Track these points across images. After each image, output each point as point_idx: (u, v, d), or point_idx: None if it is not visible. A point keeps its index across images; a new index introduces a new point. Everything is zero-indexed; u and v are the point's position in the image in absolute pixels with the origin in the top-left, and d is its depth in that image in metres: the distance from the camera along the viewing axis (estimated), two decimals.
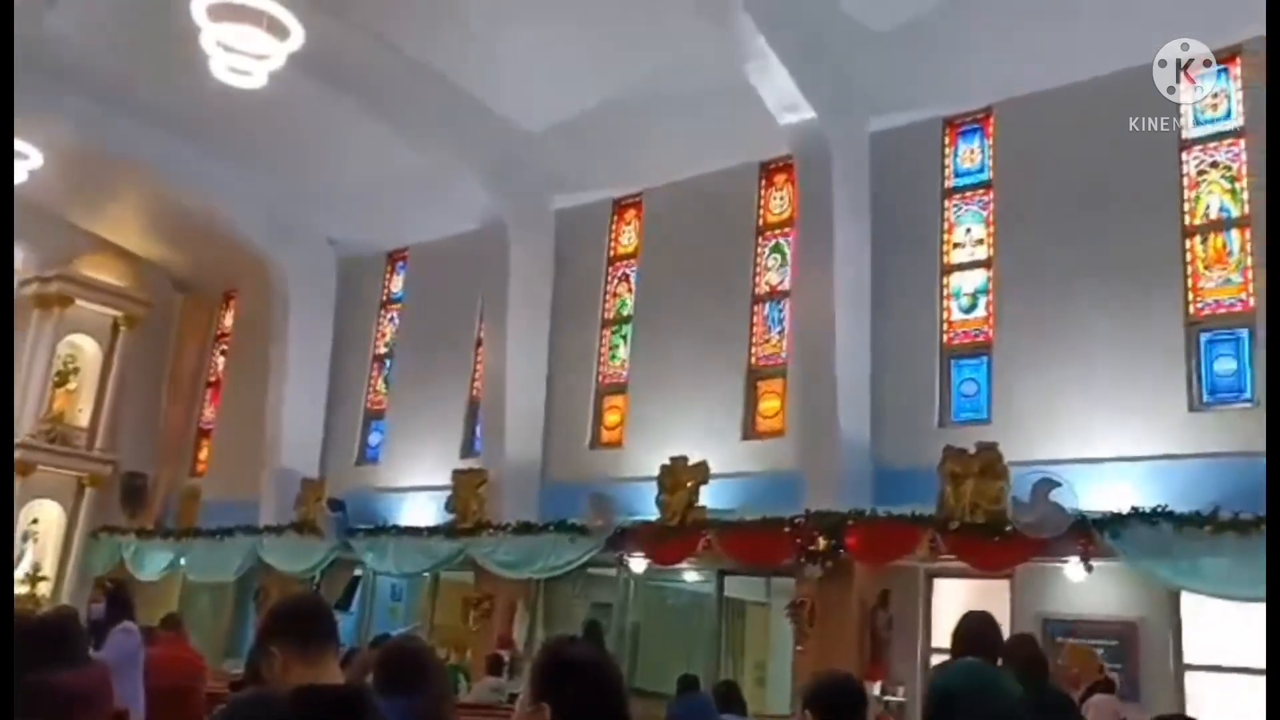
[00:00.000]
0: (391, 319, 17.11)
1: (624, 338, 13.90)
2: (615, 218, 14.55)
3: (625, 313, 14.01)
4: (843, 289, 11.04)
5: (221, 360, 19.91)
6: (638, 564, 11.50)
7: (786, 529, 10.08)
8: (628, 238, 14.39)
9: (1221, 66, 10.09)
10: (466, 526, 12.83)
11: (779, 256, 12.71)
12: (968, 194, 11.43)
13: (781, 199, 12.89)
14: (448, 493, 13.28)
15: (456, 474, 13.44)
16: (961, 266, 11.22)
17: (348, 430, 16.66)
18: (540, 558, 11.97)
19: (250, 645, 3.13)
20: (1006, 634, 9.34)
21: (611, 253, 14.44)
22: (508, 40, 12.18)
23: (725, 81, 11.19)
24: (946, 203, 11.49)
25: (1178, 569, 8.21)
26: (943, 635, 9.86)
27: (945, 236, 11.37)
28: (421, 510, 14.06)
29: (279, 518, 15.27)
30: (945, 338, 11.07)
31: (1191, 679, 8.64)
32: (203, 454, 19.41)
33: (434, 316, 15.90)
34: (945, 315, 11.13)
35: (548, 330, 14.20)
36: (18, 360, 16.87)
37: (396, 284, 17.27)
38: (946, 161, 11.62)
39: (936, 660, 9.85)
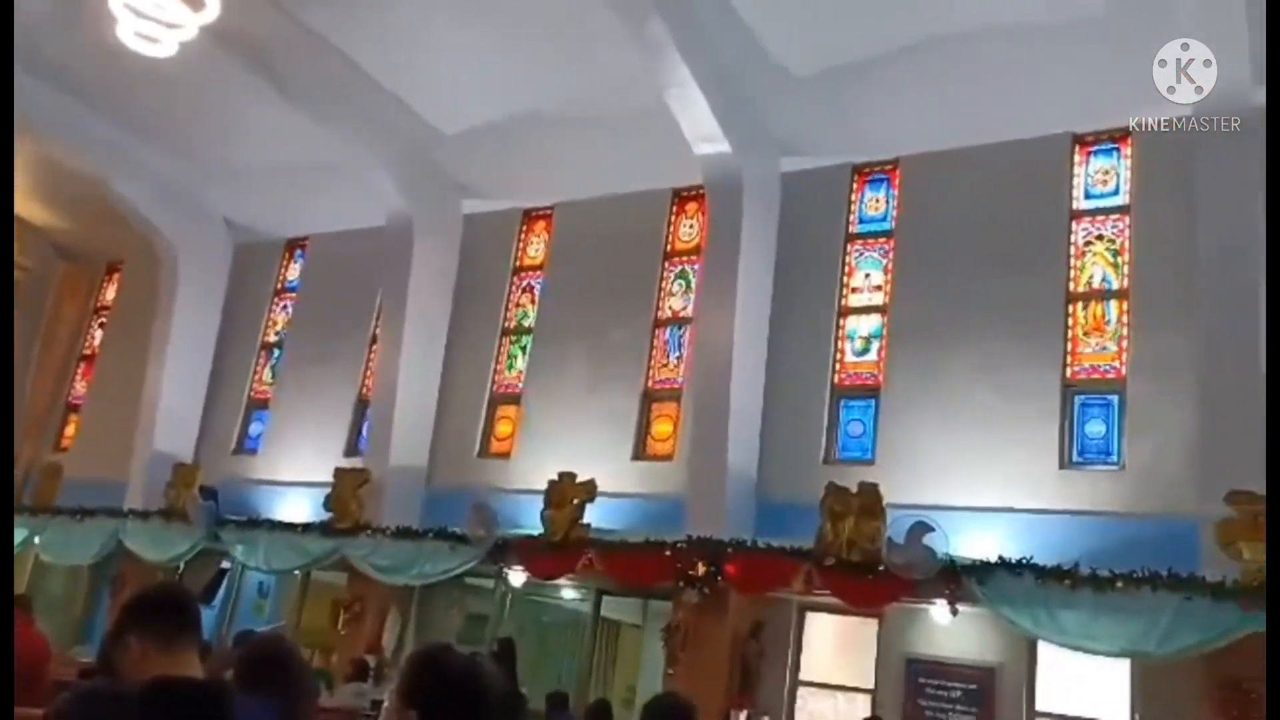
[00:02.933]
0: (285, 308, 16.66)
1: (523, 348, 13.84)
2: (524, 228, 14.51)
3: (526, 324, 13.95)
4: (743, 321, 11.23)
5: (99, 334, 19.05)
6: (516, 577, 11.40)
7: (668, 553, 10.13)
8: (535, 249, 14.35)
9: (1113, 145, 10.66)
10: (344, 526, 12.52)
11: (684, 283, 12.85)
12: (870, 241, 11.77)
13: (691, 227, 13.05)
14: (327, 490, 12.95)
15: (339, 472, 13.10)
16: (858, 310, 11.53)
17: (228, 418, 16.11)
18: (418, 564, 11.75)
19: (104, 633, 2.99)
20: (873, 671, 9.64)
21: (518, 263, 14.38)
22: (432, 40, 12.06)
23: (645, 106, 11.31)
24: (849, 247, 11.81)
25: (1037, 619, 8.50)
26: (812, 669, 10.11)
27: (845, 280, 11.68)
28: (298, 506, 13.68)
29: (146, 502, 14.65)
30: (837, 378, 11.34)
31: None
32: (69, 430, 18.49)
33: (329, 309, 15.54)
34: (839, 356, 11.41)
35: (445, 334, 14.04)
36: None
37: (293, 272, 16.83)
38: (852, 208, 11.95)
39: (803, 692, 10.06)
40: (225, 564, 14.14)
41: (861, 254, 11.78)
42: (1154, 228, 10.01)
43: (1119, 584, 8.14)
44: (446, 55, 12.29)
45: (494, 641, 10.77)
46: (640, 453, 12.15)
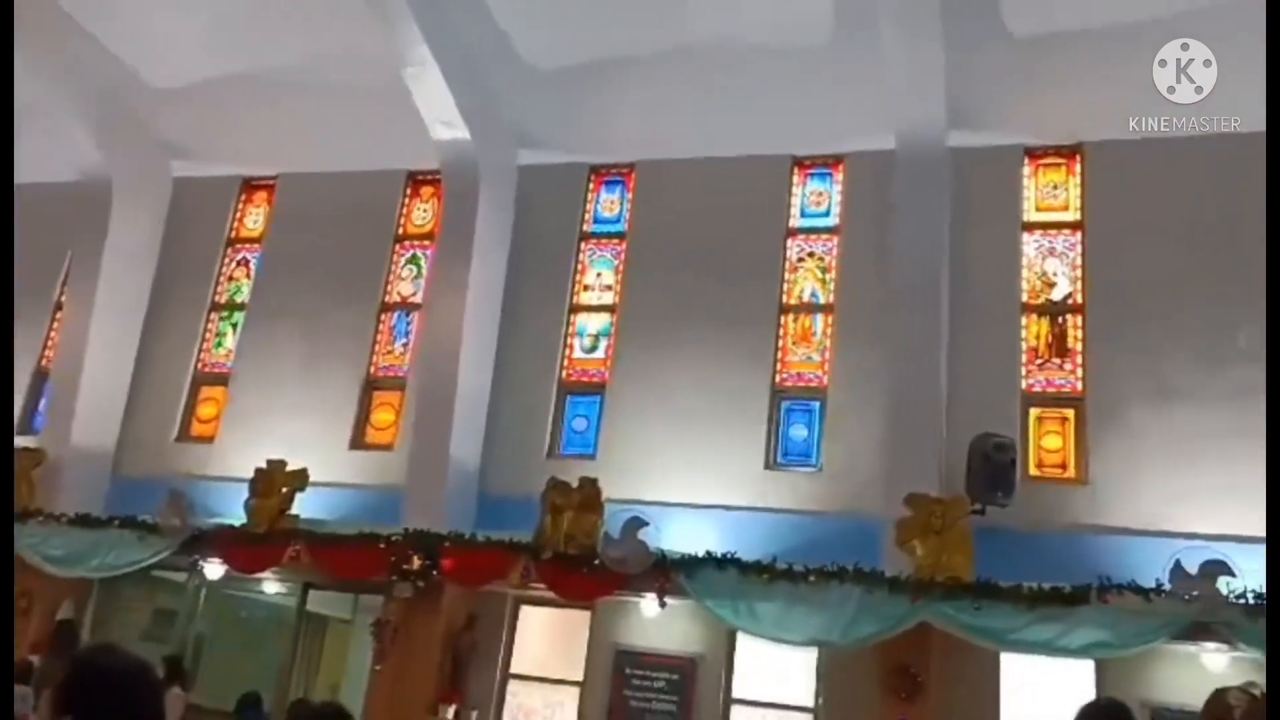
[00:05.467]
0: None
1: (233, 325, 12.95)
2: (243, 197, 13.61)
3: (239, 299, 13.07)
4: (474, 311, 11.12)
5: None
6: (214, 570, 10.64)
7: (382, 545, 9.82)
8: (254, 220, 13.48)
9: (827, 170, 11.47)
10: None
11: (414, 268, 12.51)
12: (603, 241, 11.98)
13: (425, 211, 12.73)
14: None
15: None
16: (588, 308, 11.70)
17: None
18: (99, 555, 10.70)
19: None
20: (583, 664, 9.81)
21: (233, 233, 13.46)
22: None
23: (383, 83, 10.99)
24: (583, 245, 11.97)
25: (737, 611, 8.97)
26: (524, 662, 10.15)
27: (577, 277, 11.82)
28: None
29: None
30: (564, 373, 11.45)
31: (737, 712, 9.48)
32: None
33: None
34: (567, 352, 11.53)
35: (145, 305, 12.91)
36: None
37: None
38: (588, 207, 12.10)
39: (514, 685, 10.07)
40: None
41: (595, 253, 11.96)
42: (858, 250, 10.86)
43: (811, 578, 8.74)
44: (161, 2, 11.28)
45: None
46: (359, 441, 11.70)
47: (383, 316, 12.35)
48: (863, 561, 8.64)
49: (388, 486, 10.81)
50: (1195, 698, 3.66)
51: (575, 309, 11.71)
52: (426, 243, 12.51)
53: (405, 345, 12.16)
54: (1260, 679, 4.44)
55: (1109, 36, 9.67)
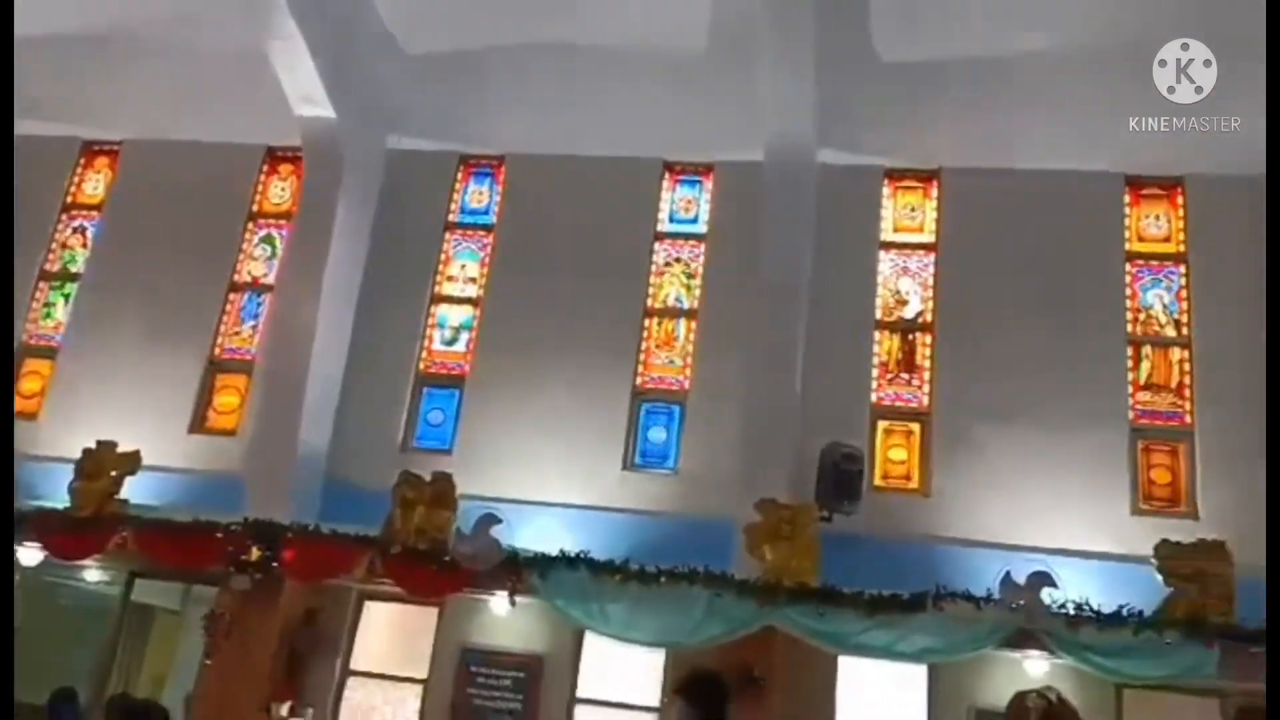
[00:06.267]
0: None
1: (65, 296, 12.15)
2: (82, 161, 12.78)
3: (73, 269, 12.28)
4: (330, 296, 10.79)
5: None
6: (30, 556, 9.92)
7: (219, 534, 9.36)
8: (94, 186, 12.69)
9: (698, 178, 11.60)
10: None
11: (269, 248, 12.00)
12: (470, 232, 11.77)
13: (283, 189, 12.24)
14: None
15: None
16: (451, 299, 11.48)
17: None
18: None
19: None
20: (428, 661, 9.60)
21: (70, 199, 12.62)
22: None
23: (245, 51, 10.57)
24: (448, 235, 11.74)
25: (588, 611, 8.92)
26: (366, 658, 9.86)
27: (441, 268, 11.58)
28: None
29: None
30: (422, 365, 11.20)
31: (581, 712, 9.45)
32: None
33: None
34: (427, 343, 11.28)
35: None
36: None
37: None
38: (455, 196, 11.89)
39: (354, 682, 9.77)
40: None
41: (460, 244, 11.75)
42: (723, 259, 11.00)
43: (662, 579, 8.78)
44: None
45: None
46: (199, 425, 11.14)
47: (231, 296, 11.80)
48: (715, 564, 8.72)
49: (229, 473, 10.33)
50: None
51: (437, 300, 11.47)
52: (283, 222, 12.03)
53: (254, 327, 11.65)
54: (1063, 686, 4.71)
55: (973, 68, 10.13)
